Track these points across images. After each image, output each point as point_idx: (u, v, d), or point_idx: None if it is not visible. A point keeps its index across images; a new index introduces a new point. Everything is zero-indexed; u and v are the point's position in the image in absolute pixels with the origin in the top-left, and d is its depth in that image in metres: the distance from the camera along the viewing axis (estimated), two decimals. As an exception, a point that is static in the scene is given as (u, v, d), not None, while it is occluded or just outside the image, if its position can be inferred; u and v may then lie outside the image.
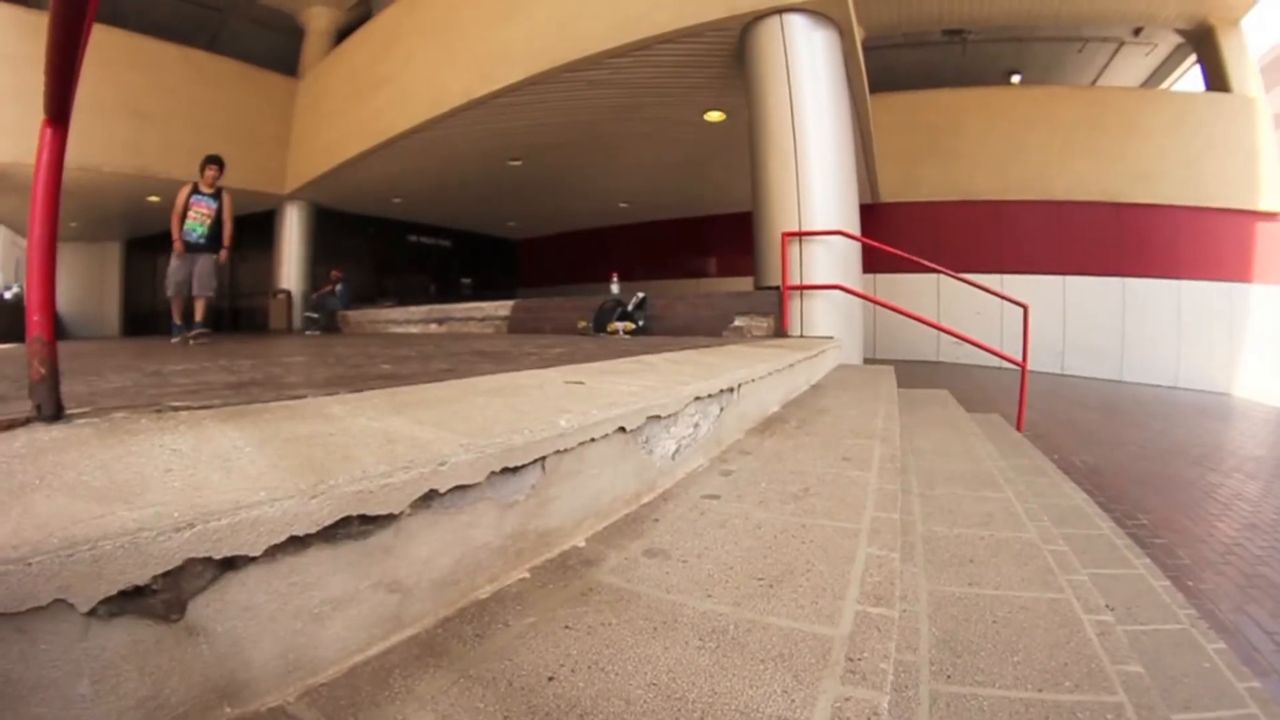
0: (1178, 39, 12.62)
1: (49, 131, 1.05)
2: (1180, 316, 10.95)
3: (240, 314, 14.12)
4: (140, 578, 0.54)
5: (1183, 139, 11.11)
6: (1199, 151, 11.04)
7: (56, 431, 0.92)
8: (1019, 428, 4.65)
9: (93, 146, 9.18)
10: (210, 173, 5.79)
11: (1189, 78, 13.58)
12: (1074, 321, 11.36)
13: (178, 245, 5.68)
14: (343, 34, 11.84)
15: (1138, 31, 12.60)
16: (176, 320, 6.01)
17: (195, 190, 5.78)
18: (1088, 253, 11.33)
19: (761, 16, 5.78)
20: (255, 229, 12.68)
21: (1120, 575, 1.99)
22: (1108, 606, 1.65)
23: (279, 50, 12.44)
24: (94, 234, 13.91)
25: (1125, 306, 11.19)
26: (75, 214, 12.07)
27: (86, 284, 14.56)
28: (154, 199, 11.22)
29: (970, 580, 1.36)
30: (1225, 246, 10.87)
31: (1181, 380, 10.86)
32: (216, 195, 5.83)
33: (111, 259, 15.08)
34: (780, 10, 5.70)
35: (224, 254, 5.91)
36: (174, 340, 5.91)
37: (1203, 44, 11.80)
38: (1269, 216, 10.89)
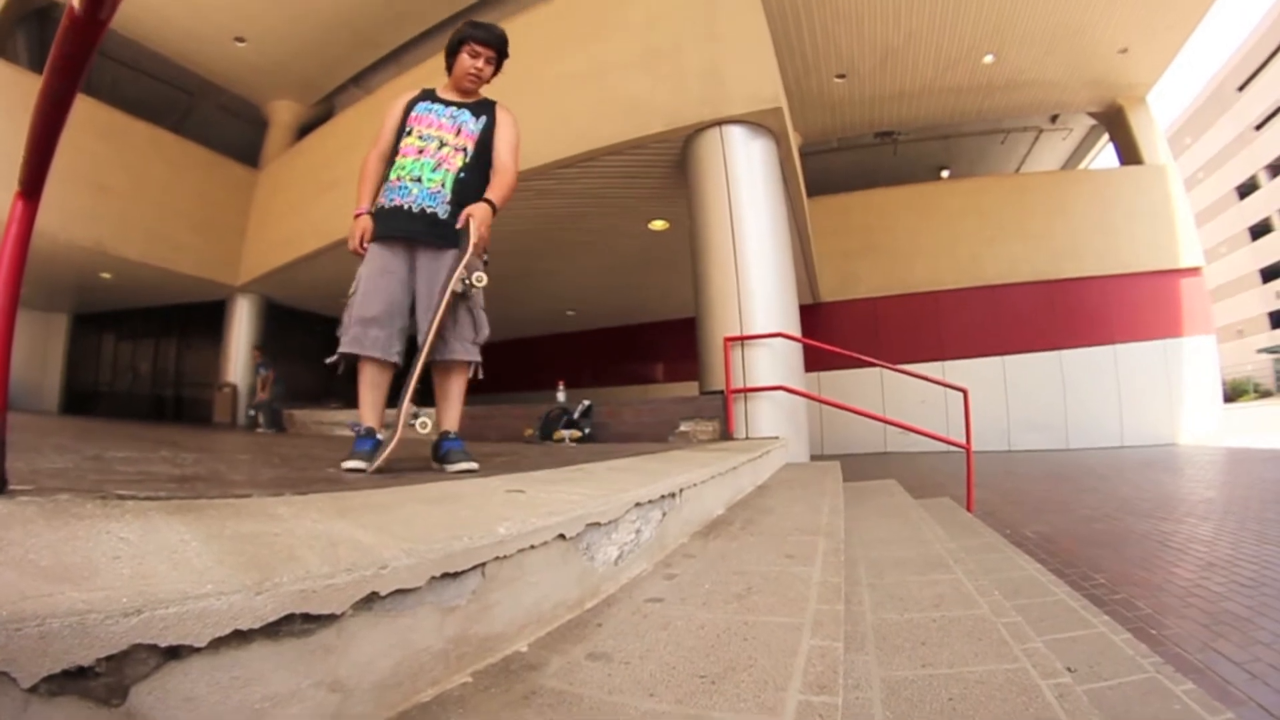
0: (1091, 121, 13.93)
1: (20, 205, 1.08)
2: (1119, 378, 11.58)
3: (183, 404, 13.64)
4: (85, 659, 0.55)
5: (1103, 212, 12.08)
6: (1120, 222, 12.00)
7: (0, 506, 0.91)
8: (969, 508, 4.73)
9: (50, 212, 8.80)
10: (476, 66, 2.63)
11: (1105, 155, 14.88)
12: (1016, 399, 11.86)
13: (355, 240, 2.47)
14: (304, 130, 12.19)
15: (1054, 119, 13.87)
16: (369, 421, 2.45)
17: (429, 97, 2.66)
18: (1024, 331, 12.00)
19: (702, 128, 6.15)
20: (205, 318, 12.47)
21: (1079, 636, 2.01)
22: (1068, 668, 1.65)
23: (243, 139, 12.70)
24: (41, 303, 13.46)
25: (1064, 377, 11.78)
26: (23, 279, 11.79)
27: (29, 354, 13.85)
28: (106, 275, 11.08)
29: (923, 662, 1.36)
30: (1154, 307, 11.72)
31: (1127, 439, 11.40)
32: (484, 110, 2.66)
33: (57, 331, 14.50)
34: (720, 123, 6.07)
35: (482, 215, 2.42)
36: (352, 464, 2.27)
37: (1114, 123, 13.07)
38: (1190, 272, 11.84)
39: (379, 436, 2.44)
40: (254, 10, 10.19)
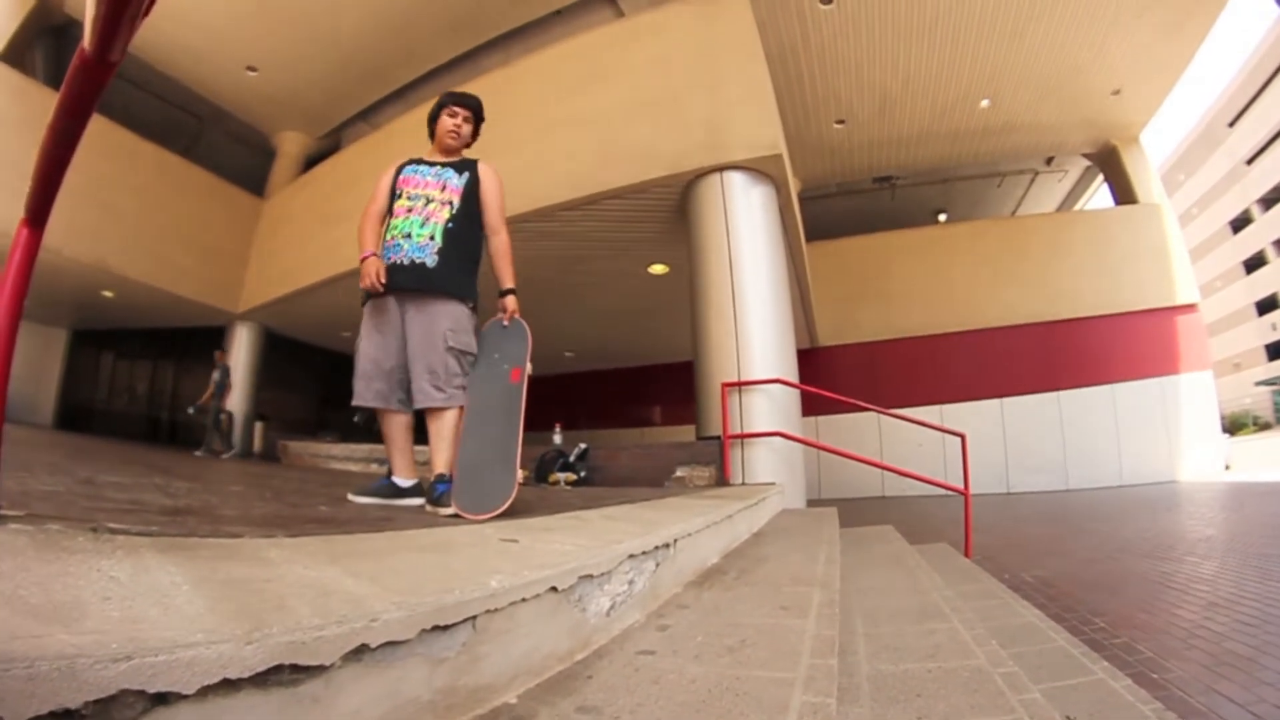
0: (1085, 163, 14.08)
1: (25, 232, 1.09)
2: (1117, 418, 11.55)
3: (178, 428, 13.55)
4: (73, 702, 0.54)
5: (1100, 252, 12.14)
6: (1116, 262, 12.07)
7: (-8, 532, 0.91)
8: (967, 554, 4.67)
9: (54, 227, 8.76)
10: (454, 124, 2.90)
11: (1100, 195, 14.95)
12: (1014, 441, 11.80)
13: (370, 277, 2.58)
14: (311, 162, 12.25)
15: (1049, 161, 14.03)
16: (393, 466, 2.79)
17: (416, 162, 2.90)
18: (1021, 373, 11.98)
19: (703, 174, 6.21)
20: (204, 343, 12.48)
21: (1078, 684, 1.98)
22: (1067, 718, 1.65)
23: (250, 167, 12.75)
24: (40, 316, 13.24)
25: (1063, 418, 11.75)
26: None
27: (25, 367, 13.24)
28: (108, 294, 11.01)
29: (919, 715, 1.34)
30: (1151, 345, 11.74)
31: (1127, 478, 11.31)
32: (466, 167, 2.89)
33: (55, 346, 14.21)
34: (721, 169, 6.13)
35: (511, 307, 2.91)
36: (354, 496, 2.74)
37: (1108, 163, 13.22)
38: (1186, 309, 11.90)
39: (394, 480, 2.76)
40: (268, 40, 10.35)
